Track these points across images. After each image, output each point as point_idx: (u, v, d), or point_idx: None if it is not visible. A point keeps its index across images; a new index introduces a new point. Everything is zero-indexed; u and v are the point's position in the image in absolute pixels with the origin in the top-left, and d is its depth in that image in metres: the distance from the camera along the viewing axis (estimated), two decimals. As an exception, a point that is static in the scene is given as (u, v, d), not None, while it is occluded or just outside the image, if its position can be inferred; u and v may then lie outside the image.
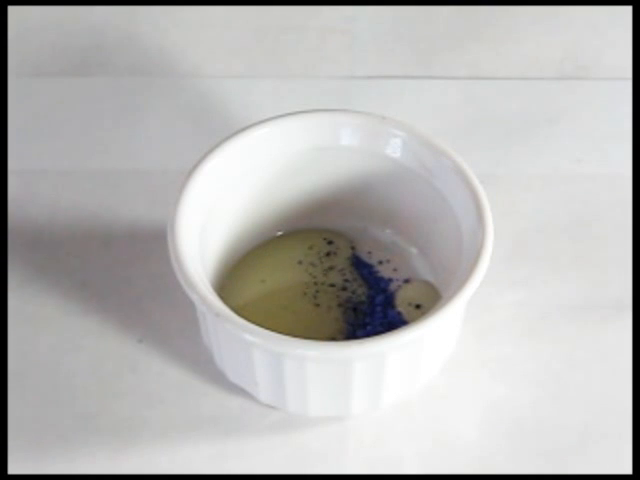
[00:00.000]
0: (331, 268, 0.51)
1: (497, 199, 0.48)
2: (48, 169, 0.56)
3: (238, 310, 0.44)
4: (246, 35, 0.62)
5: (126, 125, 0.58)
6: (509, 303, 0.51)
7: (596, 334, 0.51)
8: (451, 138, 0.50)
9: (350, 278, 0.50)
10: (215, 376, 0.49)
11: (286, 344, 0.43)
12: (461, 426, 0.48)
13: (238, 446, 0.47)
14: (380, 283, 0.50)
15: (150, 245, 0.53)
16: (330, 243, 0.52)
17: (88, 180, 0.56)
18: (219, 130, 0.51)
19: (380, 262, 0.51)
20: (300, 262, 0.51)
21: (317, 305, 0.49)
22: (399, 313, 0.49)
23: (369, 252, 0.52)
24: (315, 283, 0.50)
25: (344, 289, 0.50)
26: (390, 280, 0.51)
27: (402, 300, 0.50)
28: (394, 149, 0.49)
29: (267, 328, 0.43)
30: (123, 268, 0.53)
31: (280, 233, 0.52)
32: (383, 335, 0.43)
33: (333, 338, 0.48)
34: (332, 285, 0.50)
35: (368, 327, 0.49)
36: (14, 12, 0.61)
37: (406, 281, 0.51)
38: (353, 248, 0.52)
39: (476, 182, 0.47)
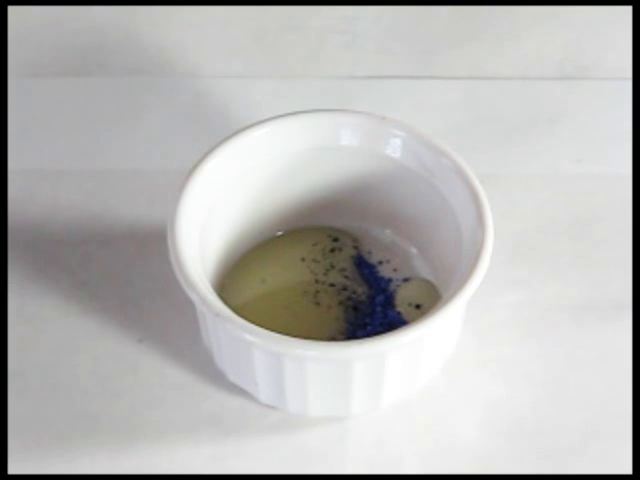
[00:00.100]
0: (332, 267, 0.51)
1: (497, 199, 0.48)
2: (48, 169, 0.56)
3: (238, 310, 0.44)
4: (246, 35, 0.62)
5: (126, 125, 0.58)
6: (509, 303, 0.51)
7: (596, 334, 0.51)
8: (451, 138, 0.50)
9: (351, 278, 0.50)
10: (215, 376, 0.49)
11: (286, 344, 0.43)
12: (461, 426, 0.48)
13: (238, 446, 0.47)
14: (380, 283, 0.50)
15: (150, 245, 0.53)
16: (335, 240, 0.52)
17: (88, 180, 0.56)
18: (219, 130, 0.51)
19: (380, 262, 0.51)
20: (303, 259, 0.51)
21: (317, 304, 0.49)
22: (399, 313, 0.49)
23: (369, 252, 0.52)
24: (316, 282, 0.50)
25: (344, 289, 0.50)
26: (390, 280, 0.51)
27: (402, 300, 0.50)
28: (394, 149, 0.49)
29: (267, 328, 0.43)
30: (123, 268, 0.53)
31: (280, 233, 0.52)
32: (383, 335, 0.43)
33: (333, 338, 0.48)
34: (332, 285, 0.50)
35: (368, 327, 0.49)
36: (14, 12, 0.61)
37: (405, 280, 0.51)
38: (356, 247, 0.52)
39: (476, 182, 0.47)
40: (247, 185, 0.50)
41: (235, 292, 0.50)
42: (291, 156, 0.50)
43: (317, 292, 0.50)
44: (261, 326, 0.43)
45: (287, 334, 0.43)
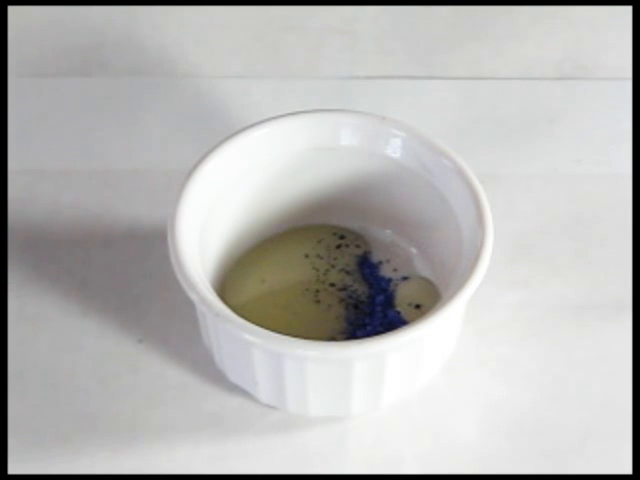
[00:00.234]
0: (333, 266, 0.51)
1: (497, 199, 0.48)
2: (48, 169, 0.56)
3: (238, 310, 0.44)
4: (246, 35, 0.62)
5: (126, 125, 0.58)
6: (509, 303, 0.51)
7: (596, 334, 0.50)
8: (451, 138, 0.50)
9: (352, 277, 0.50)
10: (215, 376, 0.49)
11: (286, 344, 0.43)
12: (461, 426, 0.48)
13: (238, 446, 0.47)
14: (381, 283, 0.50)
15: (150, 245, 0.53)
16: (342, 237, 0.52)
17: (88, 180, 0.56)
18: (219, 130, 0.51)
19: (380, 262, 0.51)
20: (307, 255, 0.51)
21: (317, 302, 0.49)
22: (399, 313, 0.49)
23: (369, 252, 0.52)
24: (317, 280, 0.50)
25: (344, 289, 0.50)
26: (390, 280, 0.51)
27: (402, 300, 0.50)
28: (394, 149, 0.49)
29: (267, 328, 0.43)
30: (123, 268, 0.53)
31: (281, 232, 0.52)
32: (383, 335, 0.43)
33: (333, 338, 0.48)
34: (332, 285, 0.50)
35: (368, 327, 0.49)
36: (14, 12, 0.61)
37: (404, 278, 0.51)
38: (359, 246, 0.52)
39: (476, 182, 0.47)
40: (247, 185, 0.50)
41: (235, 292, 0.50)
42: (291, 156, 0.50)
43: (317, 291, 0.50)
44: (261, 326, 0.43)
45: (287, 334, 0.43)
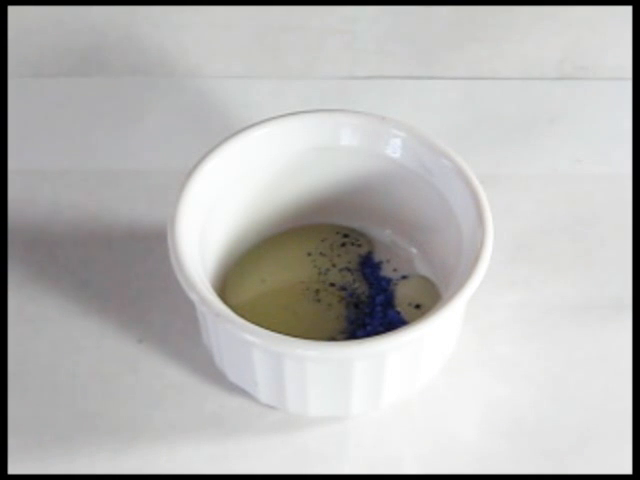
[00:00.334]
0: (334, 266, 0.51)
1: (497, 199, 0.48)
2: (48, 169, 0.56)
3: (238, 310, 0.44)
4: (246, 35, 0.62)
5: (126, 125, 0.58)
6: (509, 303, 0.51)
7: (596, 334, 0.51)
8: (451, 138, 0.50)
9: (352, 276, 0.50)
10: (215, 376, 0.49)
11: (286, 344, 0.43)
12: (461, 426, 0.48)
13: (238, 446, 0.47)
14: (381, 283, 0.50)
15: (150, 245, 0.53)
16: (346, 236, 0.52)
17: (88, 180, 0.56)
18: (219, 130, 0.51)
19: (380, 262, 0.51)
20: (309, 253, 0.51)
21: (318, 301, 0.49)
22: (399, 313, 0.49)
23: (372, 251, 0.52)
24: (317, 279, 0.50)
25: (344, 288, 0.50)
26: (390, 280, 0.51)
27: (402, 300, 0.50)
28: (394, 149, 0.49)
29: (267, 328, 0.43)
30: (123, 268, 0.53)
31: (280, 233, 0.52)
32: (383, 335, 0.43)
33: (333, 338, 0.48)
34: (332, 284, 0.50)
35: (368, 327, 0.49)
36: (14, 12, 0.61)
37: (404, 277, 0.51)
38: (361, 245, 0.52)
39: (476, 182, 0.47)
40: (247, 185, 0.50)
41: (235, 292, 0.50)
42: (291, 156, 0.50)
43: (317, 291, 0.50)
44: (261, 326, 0.43)
45: (287, 334, 0.43)
